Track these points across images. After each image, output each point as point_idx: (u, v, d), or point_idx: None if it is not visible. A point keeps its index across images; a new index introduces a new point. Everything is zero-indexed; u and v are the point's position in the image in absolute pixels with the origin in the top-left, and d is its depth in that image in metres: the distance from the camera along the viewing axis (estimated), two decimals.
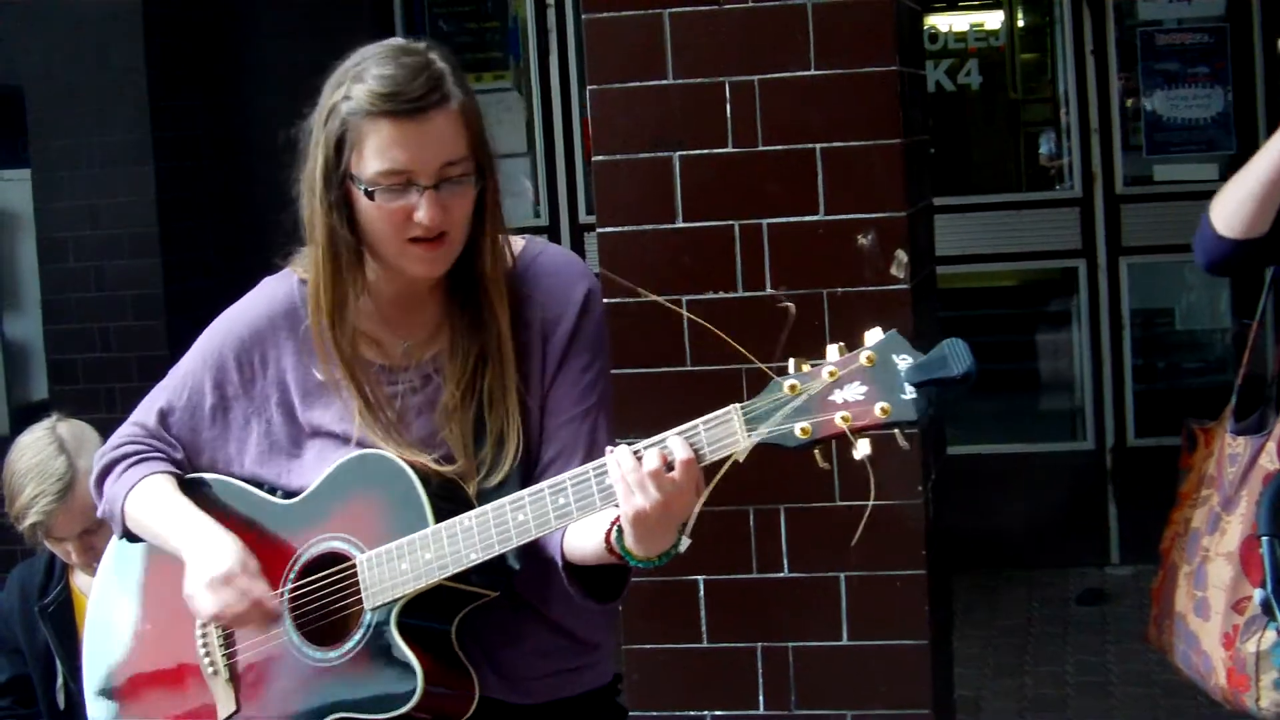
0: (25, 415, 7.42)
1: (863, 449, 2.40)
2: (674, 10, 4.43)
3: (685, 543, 2.62)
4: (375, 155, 2.71)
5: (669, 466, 2.50)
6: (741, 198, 4.42)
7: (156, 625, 3.05)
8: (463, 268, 2.84)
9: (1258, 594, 4.02)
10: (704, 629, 4.51)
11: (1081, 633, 7.77)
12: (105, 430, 4.25)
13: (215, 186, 8.80)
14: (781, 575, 4.49)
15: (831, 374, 2.41)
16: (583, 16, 4.57)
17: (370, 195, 2.72)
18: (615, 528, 2.62)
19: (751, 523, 4.46)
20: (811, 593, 4.51)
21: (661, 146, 4.44)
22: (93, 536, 4.12)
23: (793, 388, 2.42)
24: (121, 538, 3.06)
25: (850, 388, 2.40)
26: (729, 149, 4.41)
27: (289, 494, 2.93)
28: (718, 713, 4.55)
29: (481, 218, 2.81)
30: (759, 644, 4.52)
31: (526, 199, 9.00)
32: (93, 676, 3.16)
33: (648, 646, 4.53)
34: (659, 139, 4.44)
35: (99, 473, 3.06)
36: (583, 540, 2.71)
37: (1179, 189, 8.69)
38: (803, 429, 2.41)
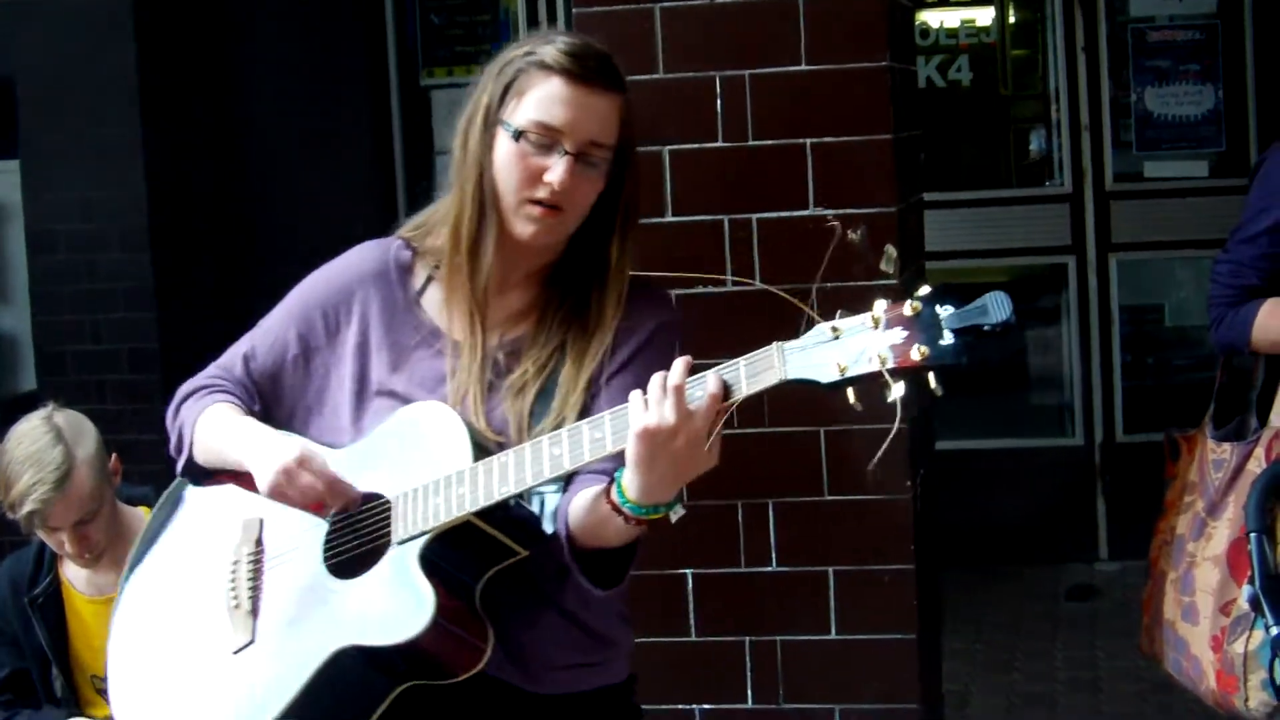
0: (14, 407, 7.41)
1: (897, 390, 2.47)
2: (665, 4, 4.44)
3: (679, 510, 2.67)
4: (536, 105, 2.82)
5: (691, 399, 2.56)
6: (731, 192, 4.43)
7: (188, 574, 3.09)
8: (573, 260, 2.93)
9: (1245, 590, 4.03)
10: (692, 623, 4.52)
11: (1070, 628, 7.78)
12: (97, 421, 4.26)
13: (206, 179, 8.78)
14: (770, 569, 4.50)
15: (874, 320, 2.49)
16: (573, 10, 4.57)
17: (518, 136, 2.82)
18: (618, 471, 2.66)
19: (740, 516, 4.47)
20: (800, 587, 4.52)
21: (651, 140, 4.44)
22: (87, 527, 4.12)
23: (834, 329, 2.51)
24: (181, 474, 3.12)
25: (891, 333, 2.48)
26: (719, 143, 4.42)
27: (349, 443, 2.97)
28: (706, 706, 4.56)
29: (615, 214, 2.91)
30: (747, 638, 4.53)
31: None
32: (119, 633, 3.19)
33: (636, 640, 4.53)
34: (649, 133, 4.44)
35: (177, 402, 3.11)
36: (585, 497, 2.75)
37: (1169, 186, 8.71)
38: (840, 366, 2.48)
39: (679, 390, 2.56)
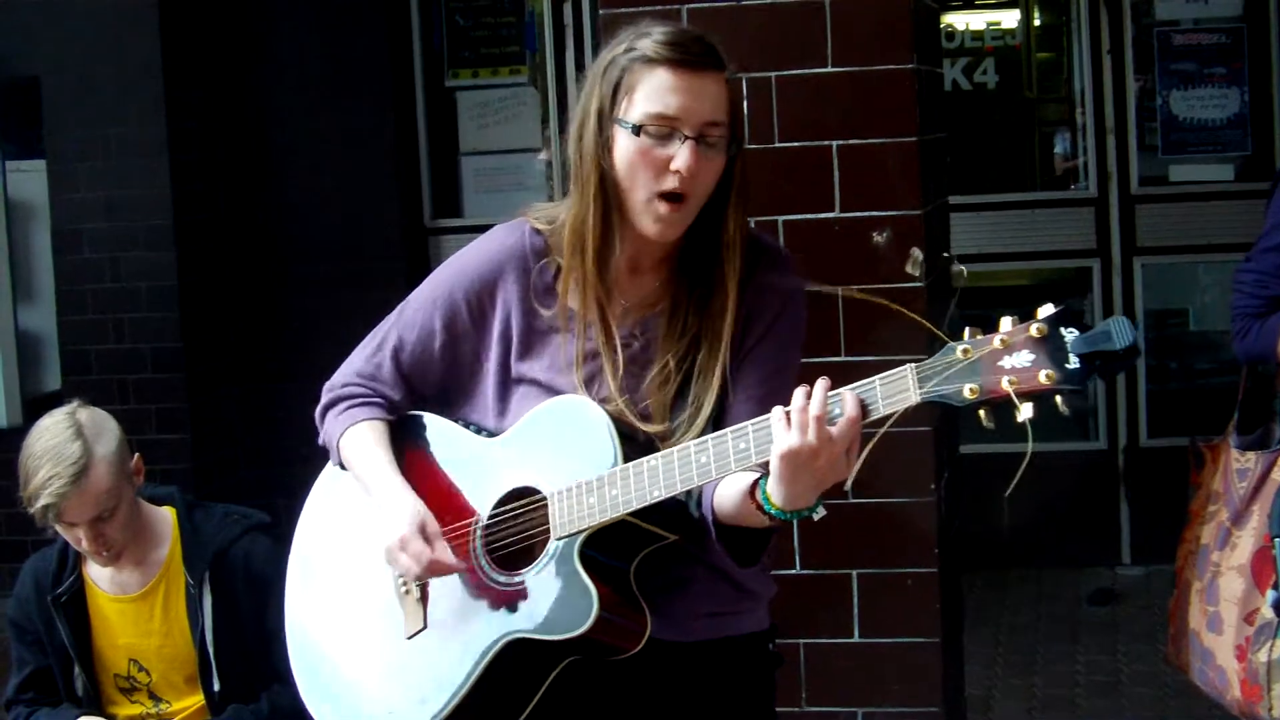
0: (38, 406, 7.44)
1: (1026, 412, 2.58)
2: (692, 5, 4.43)
3: (820, 511, 2.77)
4: (648, 98, 2.89)
5: (831, 420, 2.66)
6: (757, 194, 4.41)
7: (355, 553, 3.23)
8: (699, 243, 3.00)
9: (1270, 595, 4.02)
10: None
11: (1092, 633, 7.76)
12: (121, 420, 4.27)
13: (230, 179, 8.81)
14: (793, 572, 4.50)
15: (1003, 342, 2.57)
16: (600, 11, 4.57)
17: (637, 131, 2.88)
18: (763, 475, 2.76)
19: None
20: (823, 590, 4.52)
21: None
22: (104, 525, 4.12)
23: (965, 351, 2.59)
24: (337, 465, 3.24)
25: (1019, 355, 2.56)
26: (745, 144, 4.41)
27: (494, 432, 3.10)
28: None
29: (729, 189, 2.98)
30: (771, 645, 4.52)
31: (540, 193, 9.00)
32: (294, 605, 3.35)
33: None
34: None
35: (324, 405, 3.22)
36: (730, 488, 2.84)
37: (1194, 189, 8.69)
38: (971, 389, 2.58)
39: (820, 419, 2.65)
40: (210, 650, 4.21)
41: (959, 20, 9.21)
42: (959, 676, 4.94)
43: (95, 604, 4.32)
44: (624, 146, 2.91)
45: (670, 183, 2.89)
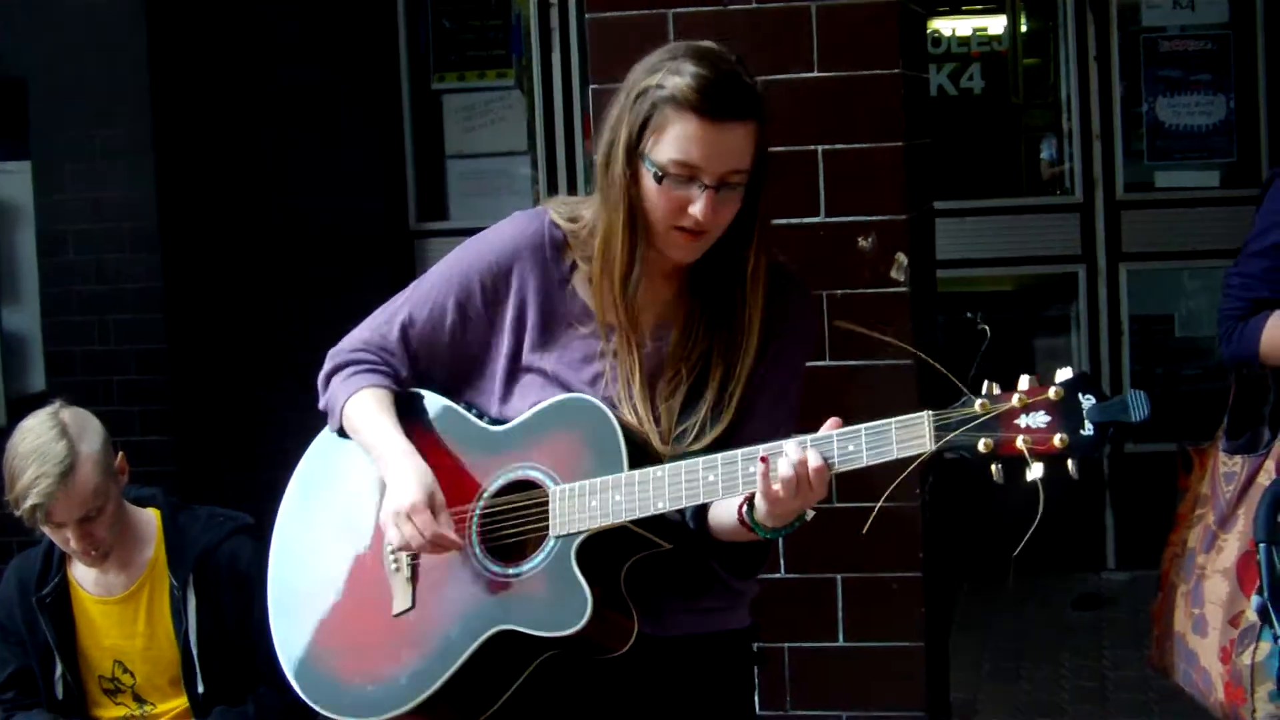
0: (23, 407, 7.42)
1: (1036, 471, 2.66)
2: (678, 10, 4.44)
3: (809, 513, 2.85)
4: (673, 144, 2.91)
5: (843, 461, 2.75)
6: None
7: (346, 525, 3.22)
8: (713, 262, 3.03)
9: (1254, 600, 4.02)
10: None
11: (1077, 637, 7.77)
12: (105, 422, 4.26)
13: (217, 181, 8.79)
14: (778, 576, 4.50)
15: (1021, 401, 2.65)
16: (586, 15, 4.57)
17: (659, 179, 2.91)
18: (747, 501, 2.83)
19: None
20: (808, 594, 4.52)
21: None
22: (92, 524, 4.11)
23: (983, 406, 2.66)
24: (336, 432, 3.23)
25: (1035, 415, 2.65)
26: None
27: (497, 420, 3.10)
28: None
29: (752, 223, 3.01)
30: (755, 644, 4.52)
31: (526, 197, 8.99)
32: (278, 577, 3.30)
33: None
34: None
35: (329, 369, 3.21)
36: (727, 510, 2.90)
37: (1180, 196, 8.71)
38: (985, 443, 2.65)
39: (820, 470, 2.75)
40: (194, 652, 4.21)
41: (945, 25, 9.21)
42: (944, 681, 4.94)
43: (80, 605, 4.31)
44: (648, 183, 2.94)
45: (686, 223, 2.93)
